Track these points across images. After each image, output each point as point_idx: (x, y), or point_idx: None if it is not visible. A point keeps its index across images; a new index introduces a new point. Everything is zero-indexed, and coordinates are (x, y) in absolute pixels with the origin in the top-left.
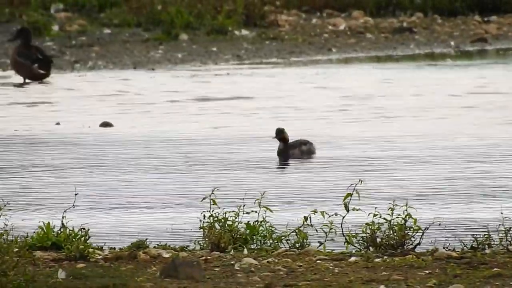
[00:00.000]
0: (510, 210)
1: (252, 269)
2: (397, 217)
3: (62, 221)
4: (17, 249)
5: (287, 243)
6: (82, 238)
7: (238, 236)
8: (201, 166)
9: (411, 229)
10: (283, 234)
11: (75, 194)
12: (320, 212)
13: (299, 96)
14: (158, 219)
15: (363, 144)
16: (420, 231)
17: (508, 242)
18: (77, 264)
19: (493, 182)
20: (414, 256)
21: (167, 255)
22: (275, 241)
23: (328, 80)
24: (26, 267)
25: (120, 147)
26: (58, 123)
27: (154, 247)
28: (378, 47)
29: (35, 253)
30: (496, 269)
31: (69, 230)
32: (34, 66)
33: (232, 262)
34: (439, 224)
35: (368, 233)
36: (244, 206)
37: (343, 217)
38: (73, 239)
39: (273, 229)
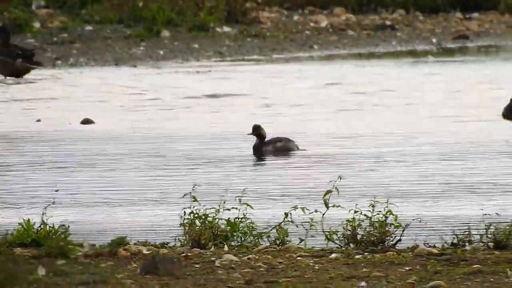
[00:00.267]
0: (491, 207)
1: (233, 265)
2: (378, 214)
3: (42, 218)
4: None
5: (268, 239)
6: (62, 235)
7: (218, 232)
8: (181, 162)
9: (392, 225)
10: (264, 230)
11: (56, 191)
12: (301, 208)
13: (280, 93)
14: (139, 216)
15: (343, 141)
16: (400, 228)
17: (488, 239)
18: (57, 261)
19: (473, 178)
20: (394, 253)
21: (147, 252)
22: (256, 237)
23: (309, 77)
24: (6, 264)
25: (101, 144)
26: (39, 120)
27: (135, 243)
28: (360, 44)
29: (15, 250)
30: (476, 265)
31: (49, 227)
32: (18, 61)
33: (212, 258)
34: (420, 221)
35: (349, 230)
36: (224, 202)
37: (323, 214)
38: (53, 236)
39: (253, 225)
